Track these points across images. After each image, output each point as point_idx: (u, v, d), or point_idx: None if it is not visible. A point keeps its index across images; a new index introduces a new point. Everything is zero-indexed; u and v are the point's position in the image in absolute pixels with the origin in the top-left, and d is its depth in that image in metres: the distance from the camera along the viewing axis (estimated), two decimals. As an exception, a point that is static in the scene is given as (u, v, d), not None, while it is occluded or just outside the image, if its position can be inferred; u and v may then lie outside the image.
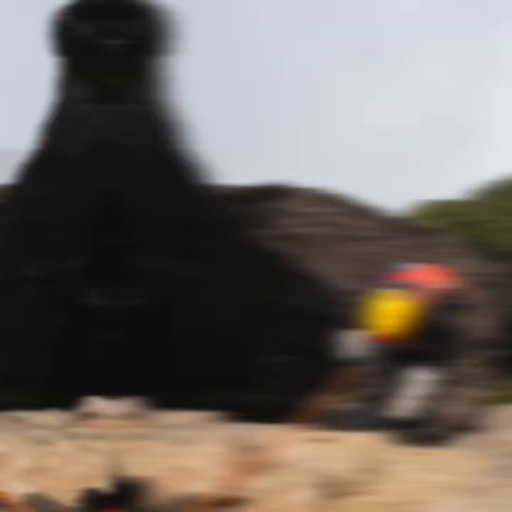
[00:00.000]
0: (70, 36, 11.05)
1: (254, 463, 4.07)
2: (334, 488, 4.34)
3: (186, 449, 4.27)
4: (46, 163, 11.84)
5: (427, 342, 5.32)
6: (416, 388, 5.27)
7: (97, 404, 5.67)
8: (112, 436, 4.53)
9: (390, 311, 5.03)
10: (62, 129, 10.56)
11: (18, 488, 3.94)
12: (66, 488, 3.88)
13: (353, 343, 5.69)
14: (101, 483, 3.56)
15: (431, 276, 5.51)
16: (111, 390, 6.17)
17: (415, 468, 4.63)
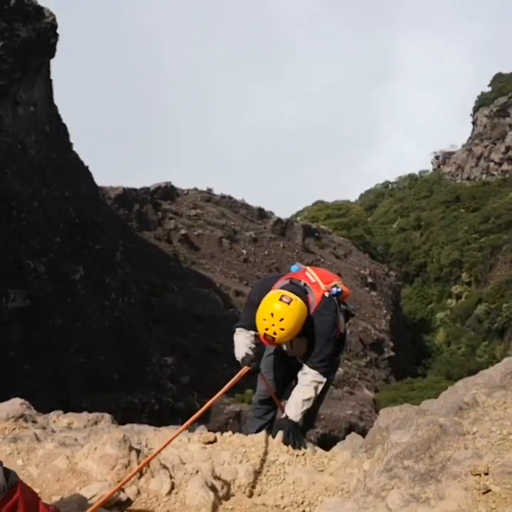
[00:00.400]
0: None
1: (145, 464, 4.04)
2: (224, 490, 4.36)
3: (76, 451, 4.19)
4: None
5: (314, 344, 5.37)
6: (304, 390, 5.32)
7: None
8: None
9: (279, 312, 4.99)
10: None
11: None
12: None
13: (241, 344, 5.68)
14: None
15: (319, 278, 5.61)
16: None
17: (304, 469, 4.69)
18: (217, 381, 46.80)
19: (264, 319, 5.05)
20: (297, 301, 5.07)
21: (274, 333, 5.02)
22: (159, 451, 4.20)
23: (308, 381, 5.31)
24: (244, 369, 5.49)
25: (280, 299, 5.04)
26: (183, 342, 46.54)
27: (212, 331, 48.54)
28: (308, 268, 5.76)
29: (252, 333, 5.57)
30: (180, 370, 43.34)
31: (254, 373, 5.60)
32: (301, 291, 5.25)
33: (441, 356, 75.43)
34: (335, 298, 5.63)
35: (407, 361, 73.91)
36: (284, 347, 5.61)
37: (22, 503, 2.84)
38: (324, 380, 5.38)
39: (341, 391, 53.55)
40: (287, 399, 5.46)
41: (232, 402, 39.35)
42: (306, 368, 5.35)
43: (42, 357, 30.63)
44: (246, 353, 5.61)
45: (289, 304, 5.02)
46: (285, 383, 6.21)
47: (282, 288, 5.24)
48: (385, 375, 63.63)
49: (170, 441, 4.46)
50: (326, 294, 5.44)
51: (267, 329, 5.03)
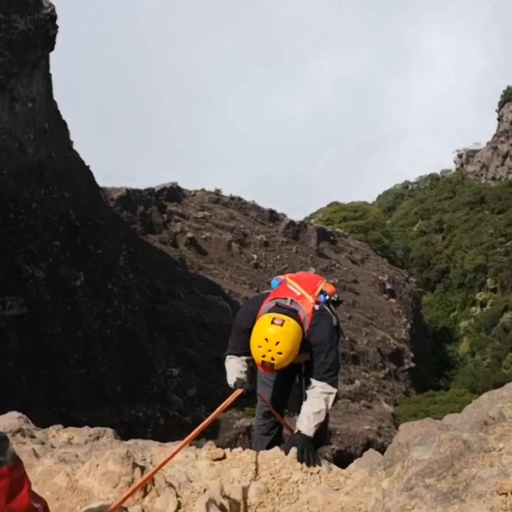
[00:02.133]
0: None
1: (149, 482, 4.03)
2: (234, 510, 4.35)
3: (77, 467, 4.19)
4: None
5: (316, 355, 5.44)
6: (314, 402, 5.34)
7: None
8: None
9: (273, 336, 5.04)
10: None
11: None
12: None
13: (232, 369, 5.76)
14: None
15: (303, 289, 5.63)
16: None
17: (319, 488, 4.67)
18: (226, 394, 46.52)
19: (260, 346, 5.10)
20: (290, 321, 5.12)
21: (272, 359, 5.06)
22: (159, 468, 4.19)
23: (317, 393, 5.35)
24: (237, 392, 5.52)
25: (272, 323, 5.08)
26: (190, 352, 46.55)
27: (220, 340, 48.50)
28: (288, 279, 5.79)
29: (244, 358, 5.66)
30: (187, 382, 43.34)
31: (248, 395, 5.61)
32: (291, 311, 5.29)
33: (464, 367, 75.14)
34: (325, 305, 5.65)
35: (429, 373, 73.71)
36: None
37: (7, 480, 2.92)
38: (334, 390, 5.44)
39: (358, 405, 53.44)
40: (296, 414, 5.49)
41: (241, 416, 39.35)
42: (313, 381, 5.38)
43: (40, 367, 30.71)
44: (237, 378, 5.66)
45: (281, 325, 5.07)
46: (284, 396, 6.24)
47: (270, 311, 5.27)
48: (404, 388, 63.44)
49: (170, 458, 4.47)
50: (316, 307, 5.47)
51: (263, 356, 5.08)
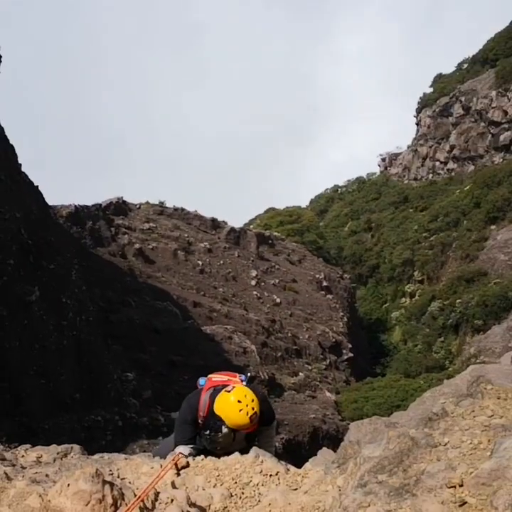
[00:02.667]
0: None
1: (118, 496, 3.97)
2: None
3: (49, 488, 4.09)
4: None
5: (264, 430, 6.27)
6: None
7: None
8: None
9: (247, 394, 5.64)
10: None
11: None
12: None
13: (184, 448, 6.04)
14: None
15: (226, 377, 6.39)
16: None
17: (278, 489, 4.66)
18: (180, 393, 46.52)
19: (240, 409, 5.60)
20: (237, 386, 5.80)
21: (253, 408, 5.61)
22: (144, 494, 4.12)
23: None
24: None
25: (228, 392, 5.70)
26: (143, 356, 46.13)
27: (171, 344, 48.22)
28: (210, 375, 6.46)
29: (191, 446, 6.01)
30: (142, 385, 42.93)
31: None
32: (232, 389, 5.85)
33: (398, 355, 76.09)
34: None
35: (366, 362, 74.42)
36: (222, 444, 5.97)
37: None
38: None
39: (303, 395, 53.63)
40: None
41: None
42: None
43: (1, 381, 30.08)
44: (190, 450, 5.94)
45: (234, 388, 5.73)
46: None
47: (217, 393, 5.86)
48: (345, 377, 63.94)
49: (142, 471, 4.41)
50: (244, 383, 6.11)
51: (247, 413, 5.58)
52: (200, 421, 5.99)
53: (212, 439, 5.88)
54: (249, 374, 6.60)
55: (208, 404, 5.93)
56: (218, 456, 6.00)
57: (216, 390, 5.92)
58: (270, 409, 6.44)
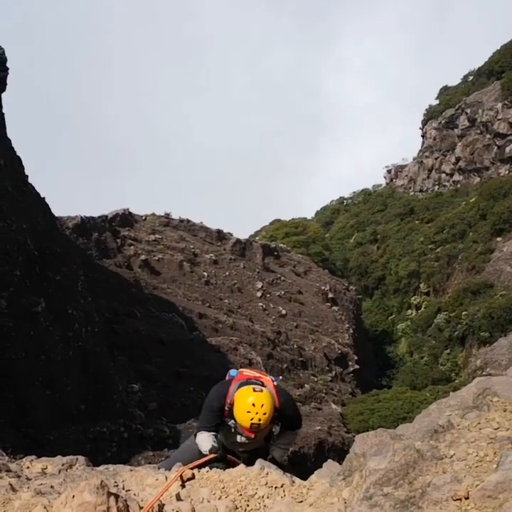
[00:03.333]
0: None
1: (126, 510, 3.96)
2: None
3: (54, 499, 4.08)
4: None
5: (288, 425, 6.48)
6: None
7: None
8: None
9: (258, 400, 5.76)
10: None
11: None
12: None
13: (206, 439, 6.28)
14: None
15: (257, 373, 6.59)
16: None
17: (283, 501, 4.64)
18: (185, 405, 46.49)
19: (248, 411, 5.74)
20: (266, 389, 5.94)
21: (259, 420, 5.70)
22: (151, 505, 4.11)
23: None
24: (211, 455, 6.03)
25: (254, 391, 5.82)
26: (149, 368, 46.12)
27: (177, 355, 48.21)
28: (242, 369, 6.67)
29: (213, 433, 6.27)
30: (147, 396, 42.90)
31: (220, 461, 6.06)
32: (261, 382, 6.12)
33: (404, 367, 75.86)
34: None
35: (372, 373, 74.21)
36: (244, 439, 6.17)
37: None
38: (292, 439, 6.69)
39: (309, 407, 53.48)
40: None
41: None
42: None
43: (6, 392, 30.09)
44: (212, 445, 6.16)
45: (262, 391, 5.82)
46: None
47: (244, 385, 6.03)
48: (350, 389, 63.75)
49: (148, 482, 4.40)
50: (275, 383, 6.36)
51: (252, 419, 5.71)
52: (226, 408, 6.15)
53: (235, 429, 6.08)
54: (279, 377, 6.95)
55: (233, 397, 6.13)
56: (236, 455, 6.14)
57: (244, 383, 6.10)
58: (296, 416, 6.60)
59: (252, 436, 5.91)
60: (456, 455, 3.94)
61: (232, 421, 6.04)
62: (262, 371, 6.83)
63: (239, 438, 6.14)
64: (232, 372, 6.68)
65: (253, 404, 5.70)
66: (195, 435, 6.45)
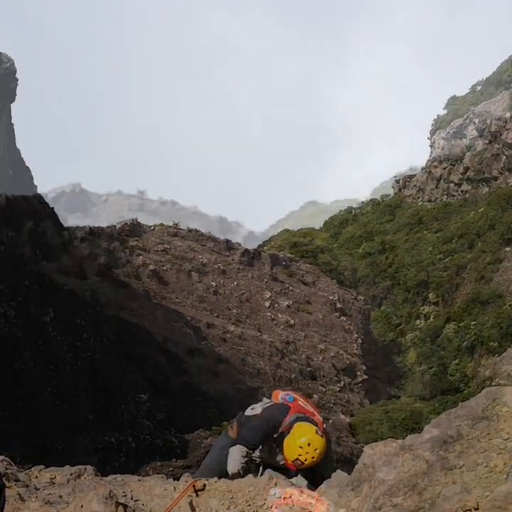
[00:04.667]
0: None
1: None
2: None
3: (62, 509, 4.07)
4: None
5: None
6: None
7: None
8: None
9: (315, 443, 5.90)
10: None
11: None
12: None
13: (236, 461, 6.37)
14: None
15: (311, 407, 6.76)
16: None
17: (292, 511, 4.62)
18: (193, 415, 46.40)
19: (301, 447, 5.86)
20: (324, 437, 6.09)
21: (305, 460, 5.83)
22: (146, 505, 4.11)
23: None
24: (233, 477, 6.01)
25: (316, 433, 5.96)
26: (157, 378, 46.08)
27: (185, 365, 48.18)
28: (298, 397, 6.77)
29: (250, 452, 6.37)
30: (156, 407, 42.83)
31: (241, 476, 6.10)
32: (316, 424, 6.24)
33: (413, 377, 75.50)
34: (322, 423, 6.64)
35: (380, 384, 73.93)
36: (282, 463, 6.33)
37: None
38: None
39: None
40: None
41: (209, 435, 38.98)
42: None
43: (15, 402, 30.13)
44: (238, 470, 6.15)
45: (322, 437, 6.01)
46: None
47: (303, 421, 6.18)
48: (359, 399, 63.49)
49: (155, 493, 4.39)
50: (325, 425, 6.51)
51: (300, 455, 5.85)
52: (275, 435, 6.33)
53: (277, 452, 6.25)
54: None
55: (288, 427, 6.25)
56: (275, 469, 6.22)
57: (301, 418, 6.26)
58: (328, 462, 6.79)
59: (293, 469, 6.04)
60: (465, 465, 3.92)
61: (278, 449, 6.24)
62: (313, 404, 6.95)
63: (279, 458, 6.30)
64: (289, 397, 6.80)
65: (308, 445, 5.83)
66: (234, 444, 6.55)
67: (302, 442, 5.84)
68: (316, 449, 5.87)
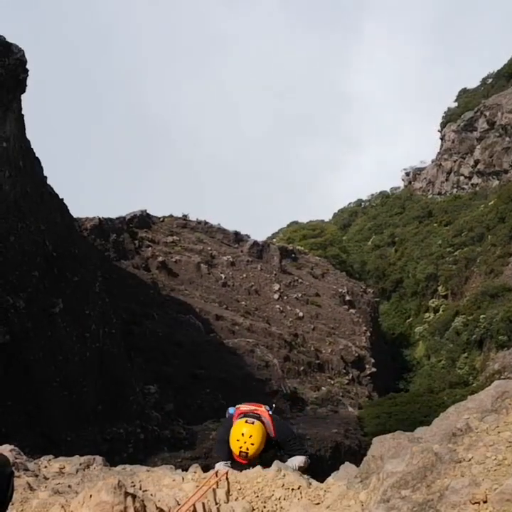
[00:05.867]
0: None
1: (143, 510, 3.95)
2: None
3: (71, 498, 4.08)
4: None
5: (285, 447, 6.92)
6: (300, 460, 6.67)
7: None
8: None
9: (248, 431, 6.32)
10: None
11: None
12: None
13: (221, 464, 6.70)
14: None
15: (253, 406, 7.13)
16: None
17: (300, 503, 4.62)
18: (201, 407, 46.56)
19: (237, 439, 6.35)
20: (258, 422, 6.50)
21: (247, 449, 6.25)
22: (155, 495, 4.11)
23: (301, 459, 6.70)
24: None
25: (246, 422, 6.47)
26: (166, 369, 46.19)
27: (194, 357, 48.26)
28: (239, 405, 7.23)
29: (228, 462, 6.72)
30: (164, 398, 42.98)
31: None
32: (256, 415, 6.71)
33: (421, 370, 75.48)
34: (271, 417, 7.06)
35: (389, 376, 73.88)
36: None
37: None
38: (309, 461, 6.92)
39: (326, 410, 53.37)
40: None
41: (217, 426, 39.08)
42: (295, 456, 6.75)
43: (24, 392, 30.24)
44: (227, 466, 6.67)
45: (253, 424, 6.44)
46: None
47: (238, 419, 6.68)
48: (367, 392, 63.51)
49: (164, 482, 4.39)
50: (270, 413, 6.96)
51: (240, 447, 6.28)
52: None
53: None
54: (273, 405, 7.41)
55: None
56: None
57: (245, 415, 6.74)
58: (295, 441, 7.09)
59: (244, 463, 6.32)
60: (474, 458, 3.91)
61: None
62: (257, 403, 7.34)
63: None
64: (230, 410, 7.28)
65: (242, 434, 6.27)
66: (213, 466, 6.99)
67: (237, 435, 6.33)
68: (251, 436, 6.29)
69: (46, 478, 4.87)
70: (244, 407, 7.09)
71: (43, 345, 32.50)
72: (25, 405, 30.05)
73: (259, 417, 6.69)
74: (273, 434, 6.64)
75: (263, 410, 6.96)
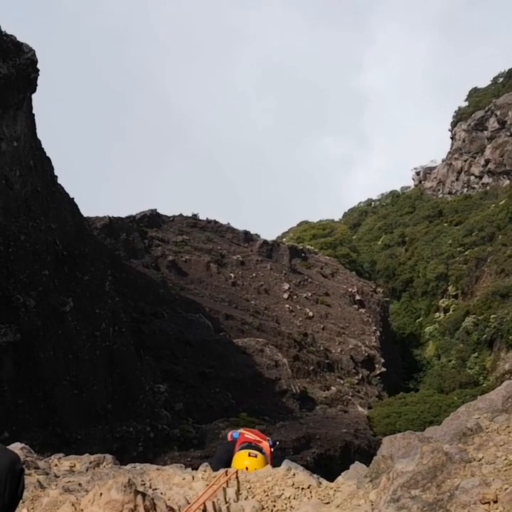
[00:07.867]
0: None
1: (153, 509, 3.96)
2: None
3: (81, 496, 4.09)
4: None
5: None
6: None
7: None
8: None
9: (251, 465, 6.47)
10: None
11: None
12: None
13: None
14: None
15: (256, 436, 7.44)
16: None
17: (310, 502, 4.61)
18: (211, 406, 46.60)
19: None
20: (260, 455, 6.76)
21: None
22: (164, 492, 4.13)
23: None
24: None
25: (249, 455, 6.71)
26: (175, 368, 46.26)
27: (203, 356, 48.30)
28: (243, 431, 7.56)
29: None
30: (174, 397, 43.02)
31: None
32: (258, 447, 7.02)
33: (432, 370, 75.32)
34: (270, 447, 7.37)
35: (399, 376, 73.78)
36: None
37: None
38: None
39: (335, 410, 53.33)
40: None
41: (226, 426, 39.12)
42: None
43: (35, 391, 30.34)
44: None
45: (256, 457, 6.69)
46: None
47: (243, 449, 6.96)
48: (377, 392, 63.43)
49: (174, 481, 4.40)
50: (272, 449, 7.23)
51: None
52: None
53: None
54: (277, 442, 7.74)
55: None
56: None
57: (244, 446, 7.06)
58: None
59: None
60: (484, 458, 3.90)
61: None
62: (261, 434, 7.63)
63: None
64: (235, 434, 7.58)
65: (246, 468, 6.40)
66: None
67: (239, 467, 6.54)
68: (256, 470, 6.54)
69: (57, 477, 4.89)
70: (248, 435, 7.41)
71: (53, 344, 32.60)
72: (35, 404, 30.15)
73: (260, 450, 6.99)
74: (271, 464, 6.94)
75: (265, 444, 7.27)
